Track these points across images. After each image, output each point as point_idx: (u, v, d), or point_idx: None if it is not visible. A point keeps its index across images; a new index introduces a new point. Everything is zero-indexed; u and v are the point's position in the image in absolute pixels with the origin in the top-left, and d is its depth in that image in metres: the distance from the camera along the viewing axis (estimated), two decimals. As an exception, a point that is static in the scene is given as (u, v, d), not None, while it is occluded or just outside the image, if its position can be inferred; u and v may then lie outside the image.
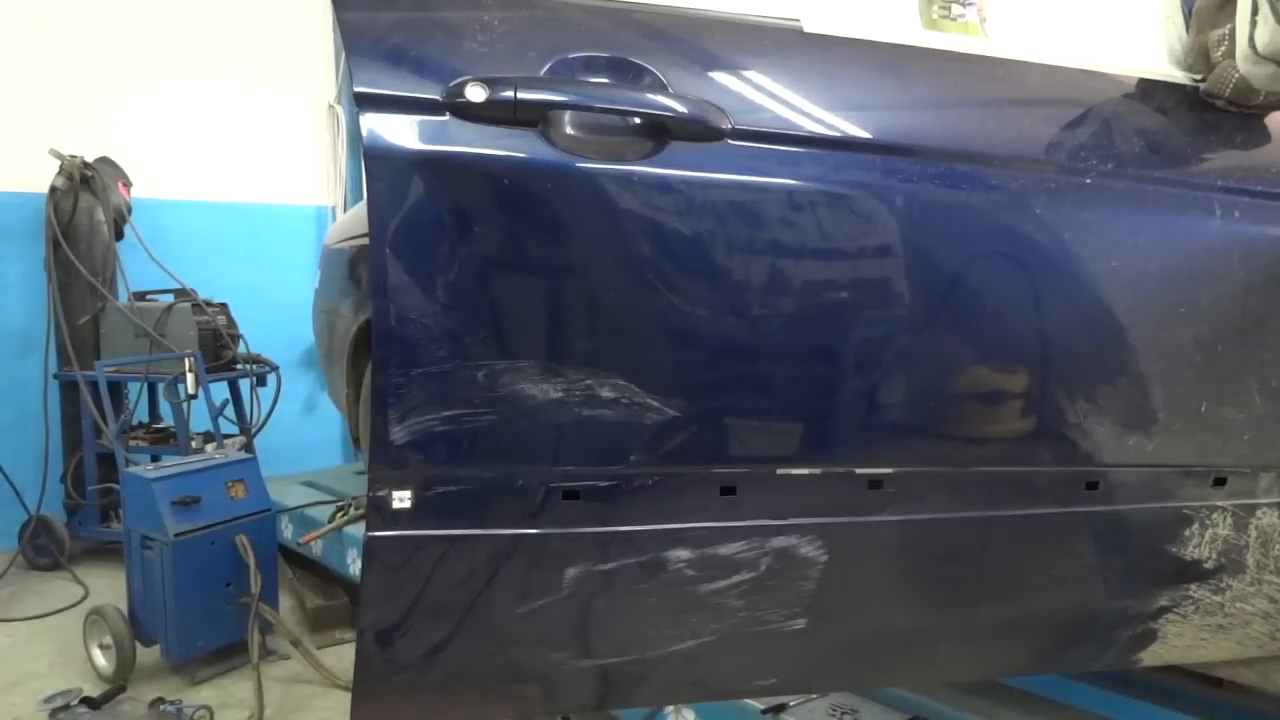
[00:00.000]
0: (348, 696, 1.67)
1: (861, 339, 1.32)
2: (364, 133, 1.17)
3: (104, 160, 4.47)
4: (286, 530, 3.85)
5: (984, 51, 1.42)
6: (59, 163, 4.30)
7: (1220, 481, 1.50)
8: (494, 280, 1.23)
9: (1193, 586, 1.55)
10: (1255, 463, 1.51)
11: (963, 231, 1.34)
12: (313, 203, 5.71)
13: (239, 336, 4.43)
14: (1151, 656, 1.63)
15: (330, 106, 5.73)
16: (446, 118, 1.19)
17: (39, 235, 4.33)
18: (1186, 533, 1.51)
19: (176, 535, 2.94)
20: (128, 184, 4.58)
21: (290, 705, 2.95)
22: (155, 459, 3.89)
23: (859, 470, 1.38)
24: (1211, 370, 1.43)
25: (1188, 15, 1.51)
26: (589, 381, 1.25)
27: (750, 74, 1.31)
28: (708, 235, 1.24)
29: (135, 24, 4.86)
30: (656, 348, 1.27)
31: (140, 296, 4.44)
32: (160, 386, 4.16)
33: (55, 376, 4.40)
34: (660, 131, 1.24)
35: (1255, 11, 1.29)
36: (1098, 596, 1.55)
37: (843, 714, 2.00)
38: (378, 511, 1.26)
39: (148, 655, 3.13)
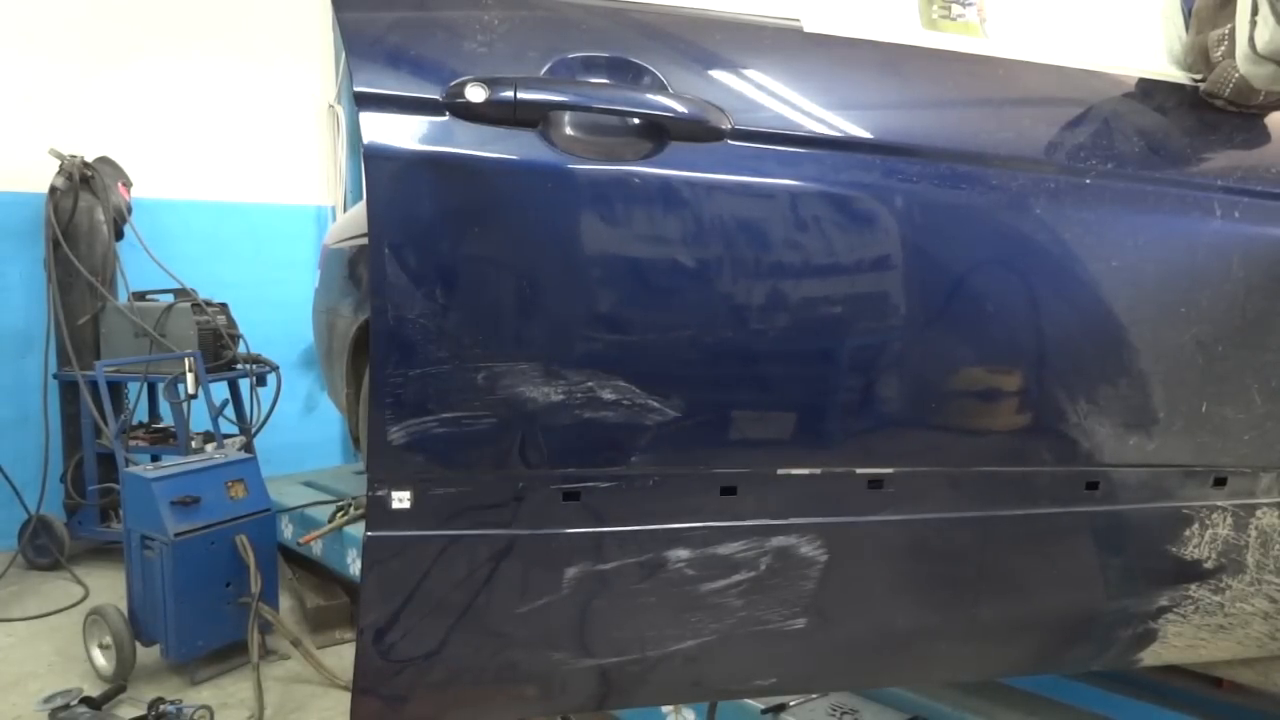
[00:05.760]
0: (348, 696, 1.68)
1: (862, 339, 1.32)
2: (364, 133, 1.17)
3: (104, 160, 4.47)
4: (286, 530, 3.85)
5: (984, 51, 1.42)
6: (59, 163, 4.30)
7: (1220, 481, 1.50)
8: (493, 281, 1.23)
9: (1193, 586, 1.55)
10: (1255, 463, 1.51)
11: (963, 232, 1.34)
12: (313, 203, 5.71)
13: (239, 336, 4.43)
14: (1151, 656, 1.63)
15: (330, 106, 5.73)
16: (446, 118, 1.19)
17: (39, 235, 4.33)
18: (1186, 533, 1.51)
19: (176, 535, 2.94)
20: (128, 184, 4.58)
21: (290, 705, 2.95)
22: (155, 459, 3.90)
23: (859, 470, 1.38)
24: (1211, 370, 1.42)
25: (1188, 15, 1.51)
26: (589, 383, 1.25)
27: (750, 74, 1.31)
28: (708, 236, 1.24)
29: (135, 23, 4.86)
30: (657, 348, 1.27)
31: (140, 296, 4.44)
32: (160, 386, 4.16)
33: (55, 376, 4.40)
34: (660, 132, 1.24)
35: (1255, 11, 1.29)
36: (1098, 596, 1.55)
37: (843, 714, 2.00)
38: (377, 511, 1.26)
39: (148, 655, 3.13)
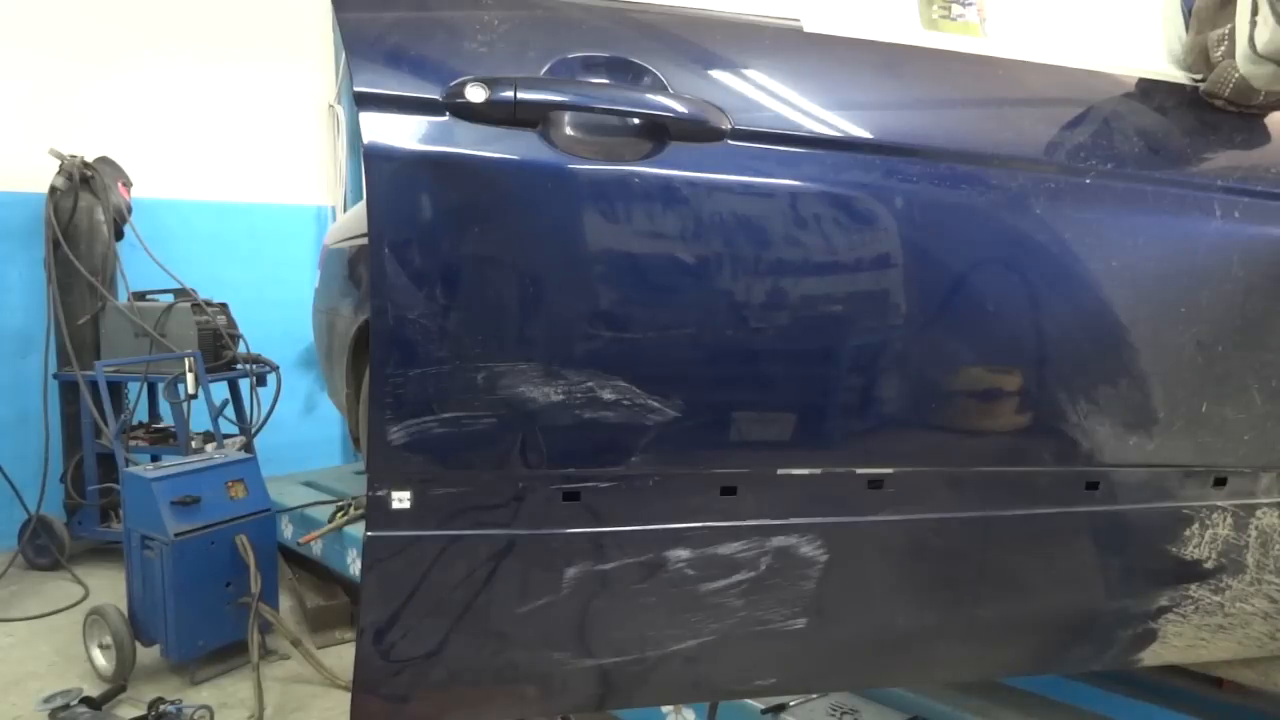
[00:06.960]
0: (348, 696, 1.68)
1: (862, 339, 1.32)
2: (364, 133, 1.17)
3: (104, 160, 4.47)
4: (286, 530, 3.85)
5: (984, 51, 1.42)
6: (59, 163, 4.30)
7: (1220, 481, 1.50)
8: (493, 281, 1.23)
9: (1193, 586, 1.55)
10: (1255, 463, 1.51)
11: (963, 232, 1.34)
12: (313, 203, 5.71)
13: (239, 336, 4.43)
14: (1151, 656, 1.63)
15: (330, 106, 5.73)
16: (446, 118, 1.19)
17: (39, 235, 4.33)
18: (1187, 533, 1.51)
19: (176, 535, 2.94)
20: (128, 184, 4.58)
21: (290, 705, 2.95)
22: (155, 459, 3.90)
23: (859, 470, 1.38)
24: (1211, 370, 1.42)
25: (1188, 15, 1.51)
26: (590, 383, 1.25)
27: (750, 74, 1.31)
28: (708, 236, 1.24)
29: (135, 23, 4.86)
30: (657, 348, 1.27)
31: (140, 296, 4.44)
32: (160, 386, 4.16)
33: (55, 376, 4.40)
34: (660, 132, 1.24)
35: (1255, 11, 1.29)
36: (1098, 596, 1.55)
37: (843, 714, 2.00)
38: (377, 511, 1.26)
39: (148, 655, 3.13)
